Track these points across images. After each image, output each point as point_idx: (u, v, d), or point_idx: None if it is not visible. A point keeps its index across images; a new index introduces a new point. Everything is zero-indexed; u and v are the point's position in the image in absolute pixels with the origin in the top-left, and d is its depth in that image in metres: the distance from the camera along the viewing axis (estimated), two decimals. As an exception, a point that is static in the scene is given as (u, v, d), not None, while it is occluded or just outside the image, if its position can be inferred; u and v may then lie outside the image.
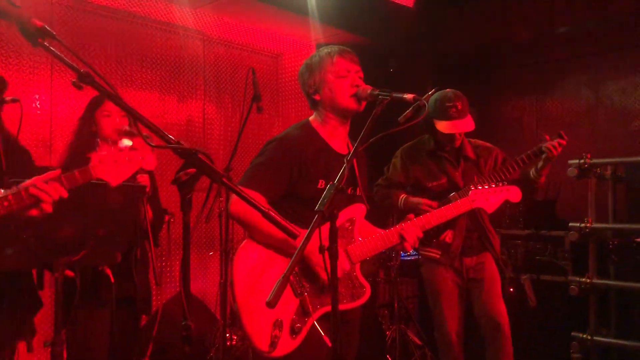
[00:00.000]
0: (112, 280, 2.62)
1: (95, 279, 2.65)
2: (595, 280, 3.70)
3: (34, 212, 1.78)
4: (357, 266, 2.32)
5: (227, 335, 4.18)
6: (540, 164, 3.27)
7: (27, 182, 1.79)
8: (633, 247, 3.59)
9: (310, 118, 2.44)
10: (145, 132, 1.52)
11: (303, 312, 2.15)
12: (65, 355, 2.36)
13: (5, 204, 1.72)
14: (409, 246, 2.33)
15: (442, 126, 3.25)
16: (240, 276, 2.13)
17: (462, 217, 3.30)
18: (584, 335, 3.73)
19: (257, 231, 2.20)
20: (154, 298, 3.48)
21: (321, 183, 2.28)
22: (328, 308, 2.16)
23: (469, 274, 3.37)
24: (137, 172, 2.65)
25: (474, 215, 3.33)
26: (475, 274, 3.37)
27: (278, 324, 2.09)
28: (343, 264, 2.24)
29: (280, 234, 2.07)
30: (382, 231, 2.36)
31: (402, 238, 2.32)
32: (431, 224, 2.44)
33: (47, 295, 3.95)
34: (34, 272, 2.72)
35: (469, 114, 3.28)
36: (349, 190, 2.39)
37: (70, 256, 2.24)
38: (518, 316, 3.31)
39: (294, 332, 2.12)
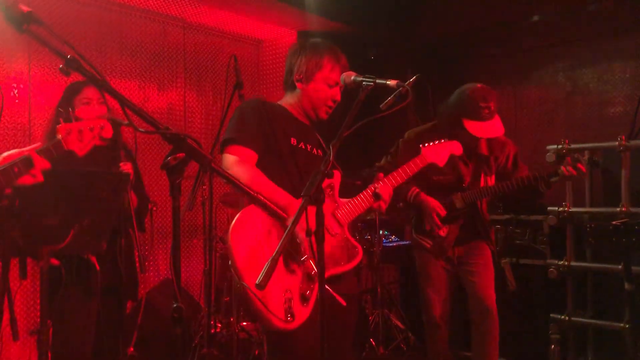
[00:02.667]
0: (98, 268, 2.62)
1: (80, 267, 2.65)
2: (572, 263, 3.78)
3: (26, 180, 1.84)
4: (346, 229, 2.37)
5: (212, 322, 4.20)
6: (554, 179, 3.19)
7: (20, 151, 1.86)
8: (609, 231, 3.66)
9: (278, 101, 2.52)
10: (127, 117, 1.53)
11: (308, 278, 2.16)
12: (50, 343, 2.37)
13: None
14: (384, 204, 2.39)
15: (473, 127, 3.10)
16: (241, 258, 2.05)
17: (461, 215, 3.33)
18: (562, 317, 3.82)
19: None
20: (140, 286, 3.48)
21: (293, 140, 2.36)
22: (332, 270, 2.22)
23: (461, 260, 3.41)
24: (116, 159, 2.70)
25: (473, 204, 3.35)
26: (467, 259, 3.40)
27: (288, 296, 2.08)
28: (334, 228, 2.30)
29: (278, 202, 2.12)
30: (360, 195, 2.42)
31: (378, 197, 2.38)
32: (398, 181, 2.48)
33: (30, 283, 3.95)
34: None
35: (497, 113, 3.15)
36: (315, 151, 2.45)
37: (55, 245, 2.24)
38: (498, 299, 3.38)
39: (305, 299, 2.12)
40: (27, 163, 1.82)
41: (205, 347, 3.99)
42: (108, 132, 2.03)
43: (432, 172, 3.23)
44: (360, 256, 2.36)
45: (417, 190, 3.36)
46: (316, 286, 2.15)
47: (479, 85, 3.19)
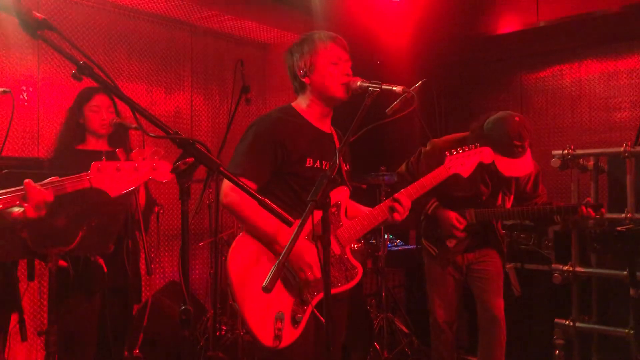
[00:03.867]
0: (105, 269, 2.65)
1: (87, 268, 2.67)
2: (577, 269, 3.78)
3: (17, 215, 1.74)
4: (348, 248, 2.36)
5: (217, 325, 4.22)
6: (571, 217, 3.21)
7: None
8: (614, 237, 3.66)
9: (293, 103, 2.44)
10: (135, 122, 1.53)
11: (301, 301, 2.19)
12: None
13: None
14: (399, 216, 2.34)
15: (502, 165, 3.04)
16: (237, 274, 2.14)
17: (471, 230, 3.32)
18: (567, 322, 3.81)
19: (247, 224, 2.23)
20: (143, 289, 3.51)
21: (309, 161, 2.29)
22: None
23: (471, 267, 3.41)
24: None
25: (487, 223, 3.36)
26: (477, 266, 3.40)
27: (280, 317, 2.11)
28: (334, 249, 2.28)
29: (268, 229, 2.15)
30: (367, 209, 2.39)
31: (393, 209, 2.33)
32: (412, 196, 2.42)
33: (37, 284, 3.98)
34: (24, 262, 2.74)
35: (529, 147, 3.09)
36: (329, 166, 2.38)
37: (63, 246, 2.26)
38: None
39: (295, 322, 2.15)
40: (20, 194, 1.65)
41: (211, 350, 4.01)
42: (164, 175, 1.74)
43: (451, 188, 3.19)
44: (359, 277, 2.35)
45: (437, 203, 3.33)
46: (308, 308, 2.19)
47: (517, 118, 3.09)
